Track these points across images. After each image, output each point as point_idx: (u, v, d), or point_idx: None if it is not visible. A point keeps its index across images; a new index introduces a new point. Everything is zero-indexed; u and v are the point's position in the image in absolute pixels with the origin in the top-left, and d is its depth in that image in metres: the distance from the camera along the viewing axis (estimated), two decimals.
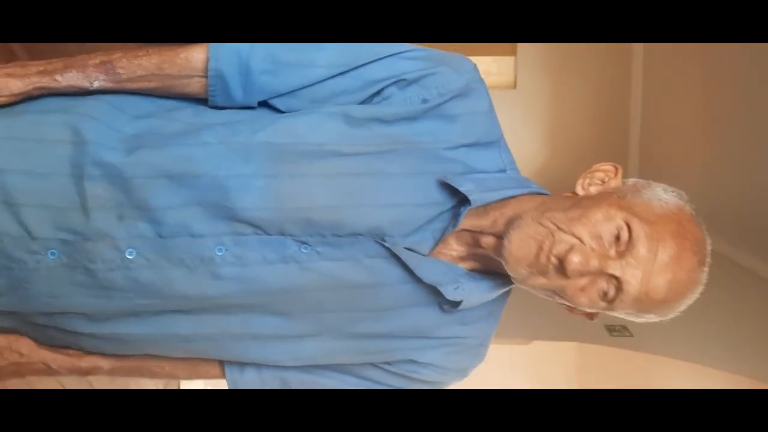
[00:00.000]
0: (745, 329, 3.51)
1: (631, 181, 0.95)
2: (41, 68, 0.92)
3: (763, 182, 4.27)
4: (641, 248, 0.84)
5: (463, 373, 1.05)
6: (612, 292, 0.86)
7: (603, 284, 0.87)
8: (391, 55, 0.92)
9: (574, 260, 0.83)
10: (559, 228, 0.87)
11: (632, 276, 0.84)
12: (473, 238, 0.95)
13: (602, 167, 0.95)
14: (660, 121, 6.27)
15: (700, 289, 0.88)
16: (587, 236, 0.86)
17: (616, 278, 0.85)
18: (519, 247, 0.87)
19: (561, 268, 0.85)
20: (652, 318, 0.90)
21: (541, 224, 0.88)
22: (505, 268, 0.90)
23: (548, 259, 0.86)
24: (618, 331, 3.54)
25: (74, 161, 0.87)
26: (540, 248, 0.87)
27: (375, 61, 0.92)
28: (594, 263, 0.85)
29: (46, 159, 0.87)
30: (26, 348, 0.97)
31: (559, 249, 0.85)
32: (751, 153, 4.44)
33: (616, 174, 0.94)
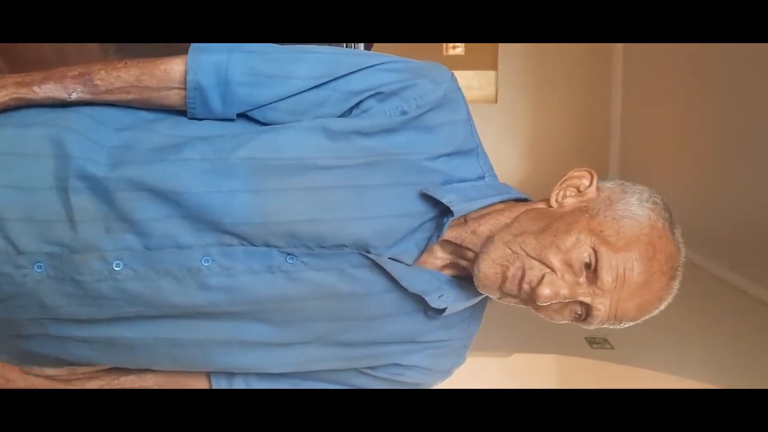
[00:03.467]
0: (723, 341, 3.55)
1: (607, 187, 0.95)
2: (19, 80, 0.92)
3: (741, 195, 4.33)
4: (607, 278, 0.86)
5: (446, 373, 1.07)
6: (583, 314, 0.90)
7: (575, 307, 0.90)
8: (369, 67, 0.93)
9: (545, 293, 0.86)
10: (529, 255, 0.89)
11: (600, 303, 0.88)
12: (457, 250, 0.96)
13: (576, 174, 0.96)
14: (639, 133, 6.35)
15: (671, 298, 0.92)
16: (558, 264, 0.88)
17: (586, 304, 0.89)
18: (486, 276, 0.90)
19: (533, 296, 0.87)
20: (627, 325, 0.93)
21: (511, 249, 0.90)
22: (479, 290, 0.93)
23: (518, 286, 0.89)
24: (599, 343, 3.56)
25: (57, 174, 0.87)
26: (504, 276, 0.89)
27: (353, 72, 0.92)
28: (564, 293, 0.88)
29: (29, 173, 0.87)
30: (13, 374, 0.96)
31: (531, 277, 0.88)
32: (728, 168, 4.51)
33: (591, 182, 0.95)
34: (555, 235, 0.89)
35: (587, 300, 0.88)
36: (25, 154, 0.88)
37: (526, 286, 0.88)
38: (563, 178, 0.97)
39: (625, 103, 6.68)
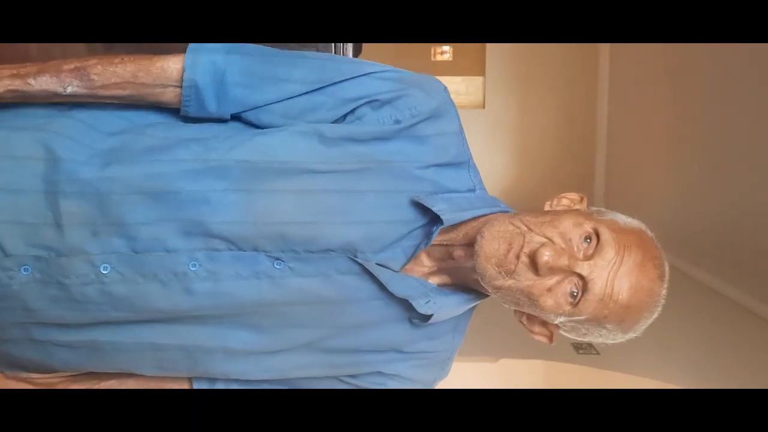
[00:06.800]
0: (708, 347, 3.57)
1: (594, 208, 0.99)
2: (14, 71, 0.91)
3: (726, 200, 4.36)
4: (609, 251, 0.87)
5: (429, 385, 1.06)
6: (578, 293, 0.88)
7: (569, 285, 0.88)
8: (364, 75, 0.94)
9: (545, 254, 0.86)
10: (530, 229, 0.90)
11: (598, 276, 0.87)
12: (446, 251, 0.97)
13: (569, 196, 1.00)
14: (625, 137, 6.40)
15: (659, 304, 0.91)
16: (557, 237, 0.89)
17: (582, 278, 0.88)
18: (490, 244, 0.89)
19: (532, 264, 0.87)
20: (612, 330, 0.91)
21: (513, 224, 0.91)
22: (476, 267, 0.91)
23: (517, 257, 0.88)
24: (584, 349, 3.57)
25: (47, 178, 0.87)
26: (510, 246, 0.89)
27: (348, 79, 0.93)
28: (564, 260, 0.87)
29: (19, 176, 0.87)
30: None
31: (531, 247, 0.88)
32: (713, 173, 4.54)
33: (581, 202, 0.99)
34: (555, 216, 0.92)
35: (584, 272, 0.87)
36: (16, 157, 0.88)
37: (524, 257, 0.88)
38: (555, 196, 1.00)
39: (611, 109, 6.73)
